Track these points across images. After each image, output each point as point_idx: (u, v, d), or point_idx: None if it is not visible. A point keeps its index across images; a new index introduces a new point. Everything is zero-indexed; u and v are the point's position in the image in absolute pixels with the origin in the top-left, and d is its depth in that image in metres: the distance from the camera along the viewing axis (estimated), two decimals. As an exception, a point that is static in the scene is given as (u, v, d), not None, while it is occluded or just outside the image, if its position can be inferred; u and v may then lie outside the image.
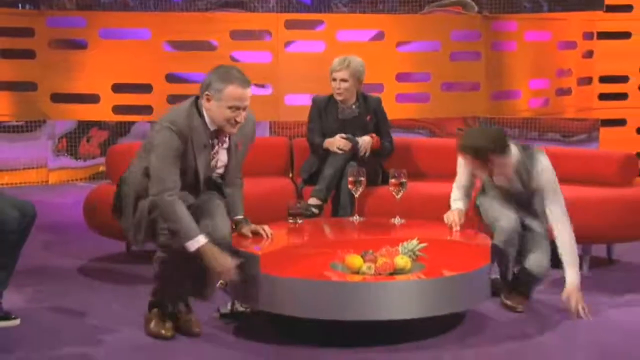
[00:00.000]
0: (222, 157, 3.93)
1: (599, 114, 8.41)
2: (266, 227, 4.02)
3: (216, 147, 3.89)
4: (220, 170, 3.97)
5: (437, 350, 3.67)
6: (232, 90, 3.74)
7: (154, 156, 3.74)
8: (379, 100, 5.51)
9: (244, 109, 3.79)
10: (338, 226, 4.72)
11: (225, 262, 3.66)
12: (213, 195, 3.93)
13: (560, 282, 4.79)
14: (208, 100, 3.78)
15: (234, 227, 3.98)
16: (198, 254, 3.64)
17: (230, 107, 3.75)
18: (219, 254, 3.66)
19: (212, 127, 3.82)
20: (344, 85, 5.27)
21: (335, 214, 5.12)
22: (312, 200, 5.05)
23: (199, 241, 3.65)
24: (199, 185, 3.88)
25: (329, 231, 4.63)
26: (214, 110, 3.78)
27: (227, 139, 3.91)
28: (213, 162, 3.91)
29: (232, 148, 3.94)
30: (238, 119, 3.78)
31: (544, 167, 4.22)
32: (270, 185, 5.37)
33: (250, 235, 3.98)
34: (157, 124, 3.82)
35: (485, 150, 4.10)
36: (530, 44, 8.55)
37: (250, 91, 3.81)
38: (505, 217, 4.21)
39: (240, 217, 4.02)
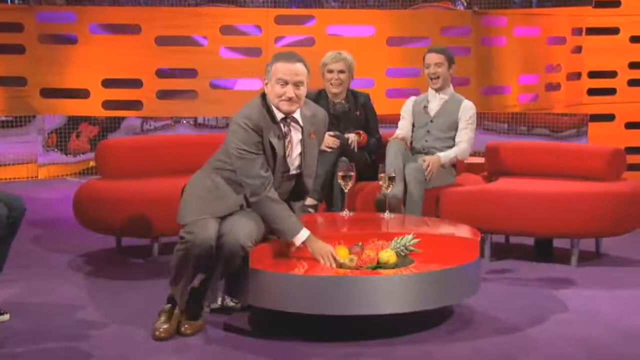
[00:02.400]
0: (295, 147, 3.92)
1: (587, 109, 8.42)
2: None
3: (288, 136, 3.89)
4: (296, 164, 3.95)
5: (426, 345, 3.68)
6: (278, 65, 3.81)
7: (238, 158, 3.78)
8: (368, 97, 5.55)
9: (294, 84, 3.81)
10: (328, 221, 4.72)
11: (324, 248, 3.73)
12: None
13: (551, 278, 4.82)
14: (266, 84, 3.87)
15: None
16: (303, 246, 3.76)
17: (278, 82, 3.80)
18: (319, 243, 3.75)
19: (279, 116, 3.85)
20: (342, 76, 5.31)
21: (328, 209, 5.14)
22: (307, 201, 5.06)
23: (303, 236, 3.75)
24: (282, 182, 3.89)
25: (320, 226, 4.63)
26: (269, 92, 3.85)
27: (299, 127, 3.90)
28: (287, 151, 3.89)
29: (305, 138, 3.93)
30: (288, 94, 3.79)
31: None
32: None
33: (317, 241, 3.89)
34: (232, 123, 3.83)
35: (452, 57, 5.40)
36: (519, 40, 8.56)
37: (300, 67, 3.82)
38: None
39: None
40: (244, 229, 3.69)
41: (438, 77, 5.35)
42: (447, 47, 5.66)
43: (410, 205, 4.99)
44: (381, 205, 4.75)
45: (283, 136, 3.86)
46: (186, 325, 3.80)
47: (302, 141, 3.93)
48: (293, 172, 3.96)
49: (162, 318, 3.79)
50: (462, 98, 5.44)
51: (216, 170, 3.90)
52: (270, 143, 3.81)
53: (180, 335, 3.77)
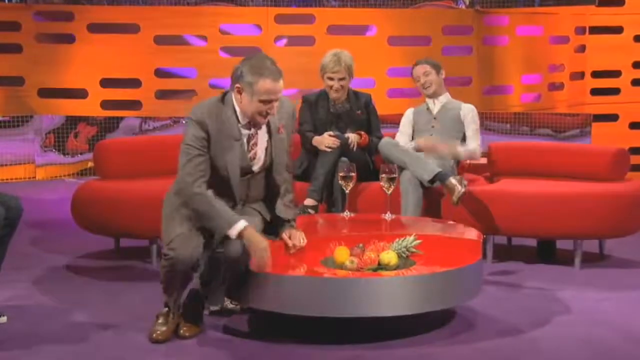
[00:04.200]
0: (261, 147, 3.85)
1: (591, 109, 8.43)
2: (300, 237, 3.91)
3: (254, 138, 3.82)
4: (260, 163, 3.87)
5: (427, 347, 3.67)
6: (264, 84, 3.67)
7: (181, 152, 3.71)
8: (369, 97, 5.56)
9: (276, 100, 3.74)
10: (329, 222, 4.72)
11: (259, 244, 3.63)
12: (252, 213, 3.84)
13: (554, 280, 4.82)
14: (239, 92, 3.72)
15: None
16: (240, 238, 3.62)
17: (262, 101, 3.69)
18: (255, 237, 3.64)
19: (243, 120, 3.76)
20: (343, 82, 5.32)
21: (329, 210, 5.14)
22: (308, 201, 5.07)
23: (239, 227, 3.61)
24: (233, 185, 3.79)
25: (320, 227, 4.63)
26: (244, 104, 3.72)
27: (265, 128, 3.83)
28: (251, 154, 3.82)
29: (272, 134, 3.86)
30: (270, 111, 3.73)
31: None
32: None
33: (286, 238, 3.87)
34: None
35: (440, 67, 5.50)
36: (522, 39, 8.56)
37: (282, 84, 3.73)
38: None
39: (286, 219, 3.95)
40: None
41: (431, 84, 5.41)
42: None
43: (407, 210, 4.99)
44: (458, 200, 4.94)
45: (242, 138, 3.78)
46: (185, 328, 3.80)
47: (270, 138, 3.86)
48: (257, 169, 3.87)
49: (160, 320, 3.79)
50: (460, 102, 5.51)
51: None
52: (223, 145, 3.72)
53: (179, 337, 3.77)
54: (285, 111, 3.91)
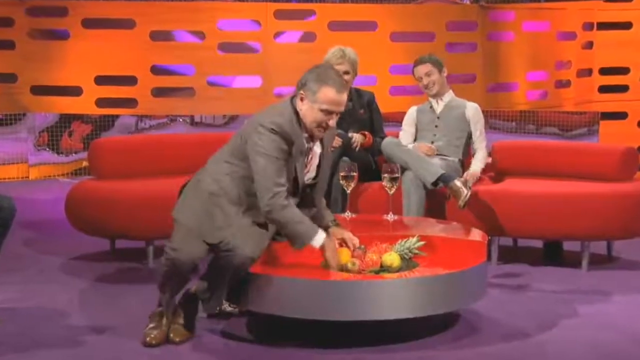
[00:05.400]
0: (314, 162, 3.88)
1: (599, 106, 8.44)
2: (352, 237, 3.90)
3: (310, 153, 3.84)
4: (311, 178, 3.90)
5: (431, 351, 3.68)
6: (327, 92, 3.67)
7: (262, 160, 3.65)
8: (372, 95, 5.57)
9: (338, 114, 3.74)
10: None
11: (337, 260, 3.66)
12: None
13: (561, 282, 4.83)
14: (302, 99, 3.73)
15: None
16: (321, 248, 3.66)
17: (323, 110, 3.69)
18: (335, 251, 3.68)
19: (304, 133, 3.76)
20: (347, 77, 5.32)
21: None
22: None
23: (321, 238, 3.65)
24: (297, 195, 3.83)
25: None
26: (305, 112, 3.72)
27: (319, 143, 3.87)
28: (306, 169, 3.85)
29: (324, 152, 3.89)
30: (330, 124, 3.73)
31: None
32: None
33: (336, 245, 3.85)
34: (256, 125, 3.69)
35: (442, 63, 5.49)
36: (528, 35, 8.57)
37: (346, 96, 3.75)
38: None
39: (329, 221, 3.98)
40: (252, 240, 3.67)
41: (434, 84, 5.42)
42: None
43: (409, 210, 5.01)
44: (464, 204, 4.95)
45: (306, 152, 3.82)
46: (175, 332, 3.80)
47: (322, 156, 3.91)
48: (303, 185, 3.90)
49: (152, 323, 3.80)
50: (465, 100, 5.52)
51: (224, 184, 3.76)
52: (294, 157, 3.74)
53: (169, 342, 3.77)
54: (331, 134, 3.98)
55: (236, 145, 3.81)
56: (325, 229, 3.92)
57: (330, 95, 3.68)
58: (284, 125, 3.69)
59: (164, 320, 3.81)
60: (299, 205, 3.84)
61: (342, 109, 3.76)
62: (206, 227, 3.70)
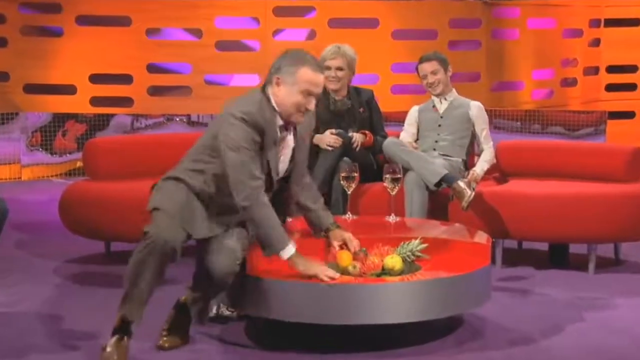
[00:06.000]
0: (287, 152, 3.81)
1: (606, 105, 8.45)
2: (352, 239, 3.88)
3: (283, 142, 3.77)
4: (284, 167, 3.82)
5: (433, 356, 3.68)
6: (305, 72, 3.62)
7: (233, 154, 3.57)
8: (371, 93, 5.56)
9: (316, 96, 3.70)
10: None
11: (316, 267, 3.60)
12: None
13: (567, 286, 4.82)
14: (278, 84, 3.66)
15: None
16: (289, 262, 3.58)
17: (302, 92, 3.64)
18: (308, 262, 3.60)
19: (280, 121, 3.70)
20: (340, 73, 5.31)
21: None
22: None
23: (291, 250, 3.58)
24: (272, 189, 3.75)
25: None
26: (282, 96, 3.65)
27: (292, 133, 3.80)
28: (280, 158, 3.77)
29: (298, 142, 3.83)
30: (309, 107, 3.68)
31: None
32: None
33: (337, 247, 3.84)
34: (227, 116, 3.62)
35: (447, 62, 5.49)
36: (533, 32, 8.58)
37: (323, 78, 3.72)
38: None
39: (329, 224, 3.93)
40: (225, 254, 3.61)
41: (439, 83, 5.42)
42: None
43: (412, 212, 5.01)
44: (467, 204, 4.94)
45: (279, 142, 3.74)
46: (165, 339, 3.76)
47: (295, 147, 3.84)
48: (277, 178, 3.82)
49: (108, 349, 3.55)
50: (468, 99, 5.52)
51: (195, 183, 3.72)
52: (267, 147, 3.67)
53: (157, 347, 3.73)
54: (308, 122, 3.90)
55: (207, 142, 3.75)
56: (325, 231, 3.90)
57: (309, 75, 3.65)
58: (255, 114, 3.62)
59: (122, 347, 3.56)
60: (273, 200, 3.76)
61: (320, 90, 3.72)
62: (187, 218, 3.64)
